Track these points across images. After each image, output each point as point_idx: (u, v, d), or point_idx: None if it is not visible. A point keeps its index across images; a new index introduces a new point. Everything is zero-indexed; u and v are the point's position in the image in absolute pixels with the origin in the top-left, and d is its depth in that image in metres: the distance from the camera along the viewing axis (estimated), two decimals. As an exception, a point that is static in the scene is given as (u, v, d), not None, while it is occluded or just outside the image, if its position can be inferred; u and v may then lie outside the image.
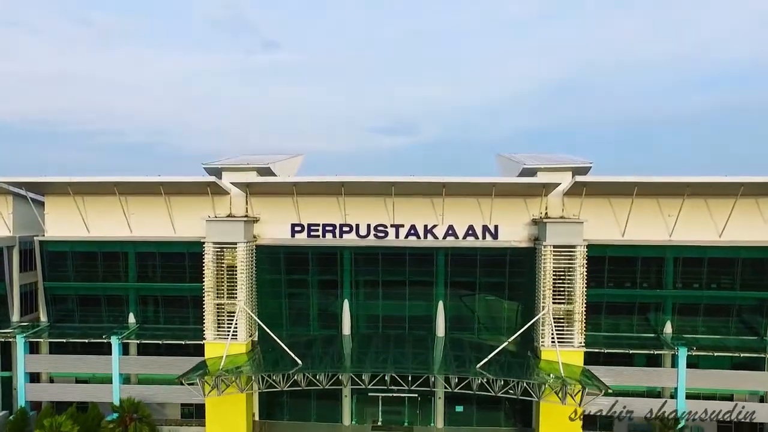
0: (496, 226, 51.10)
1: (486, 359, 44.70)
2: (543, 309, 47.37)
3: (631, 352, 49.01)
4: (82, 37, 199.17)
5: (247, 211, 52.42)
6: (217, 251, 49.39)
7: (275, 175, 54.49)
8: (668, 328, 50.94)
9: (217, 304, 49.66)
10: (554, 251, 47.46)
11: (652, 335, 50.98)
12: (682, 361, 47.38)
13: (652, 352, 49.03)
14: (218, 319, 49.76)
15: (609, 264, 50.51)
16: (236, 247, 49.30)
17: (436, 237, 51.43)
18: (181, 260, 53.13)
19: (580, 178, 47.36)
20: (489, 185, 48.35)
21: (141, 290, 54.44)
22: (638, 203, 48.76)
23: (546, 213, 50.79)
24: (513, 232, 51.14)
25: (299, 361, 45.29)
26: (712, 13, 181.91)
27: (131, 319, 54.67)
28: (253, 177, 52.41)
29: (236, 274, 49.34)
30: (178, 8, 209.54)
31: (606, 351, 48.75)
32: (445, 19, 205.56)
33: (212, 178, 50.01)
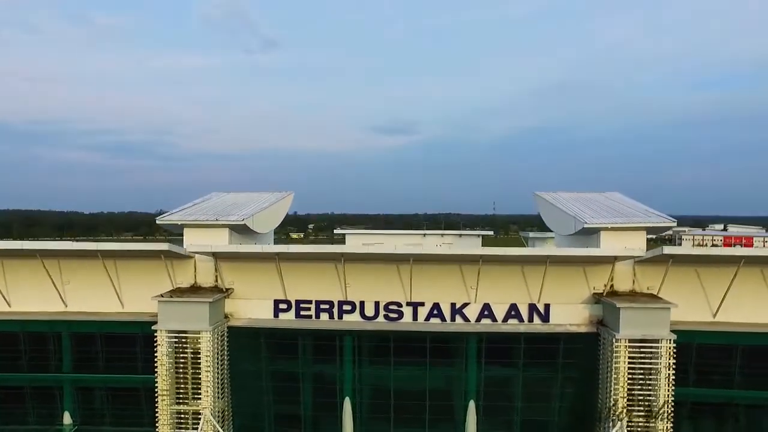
0: (546, 305, 38.62)
1: None
2: (613, 424, 35.05)
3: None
4: (82, 37, 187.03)
5: (216, 281, 39.77)
6: (174, 342, 36.78)
7: (253, 231, 41.86)
8: (775, 440, 38.73)
9: (176, 411, 37.19)
10: (630, 346, 35.10)
11: (753, 449, 38.79)
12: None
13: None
14: (178, 430, 37.34)
15: (696, 355, 38.21)
16: (200, 337, 36.75)
17: (467, 319, 38.91)
18: (131, 344, 40.48)
19: (668, 250, 34.72)
20: (542, 258, 35.69)
21: (79, 382, 41.74)
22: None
23: (611, 286, 38.36)
24: (569, 313, 38.67)
25: None
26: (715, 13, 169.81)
27: (67, 418, 41.93)
28: (223, 238, 39.87)
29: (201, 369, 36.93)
30: (177, 8, 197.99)
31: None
32: (445, 19, 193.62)
33: (166, 246, 37.09)
